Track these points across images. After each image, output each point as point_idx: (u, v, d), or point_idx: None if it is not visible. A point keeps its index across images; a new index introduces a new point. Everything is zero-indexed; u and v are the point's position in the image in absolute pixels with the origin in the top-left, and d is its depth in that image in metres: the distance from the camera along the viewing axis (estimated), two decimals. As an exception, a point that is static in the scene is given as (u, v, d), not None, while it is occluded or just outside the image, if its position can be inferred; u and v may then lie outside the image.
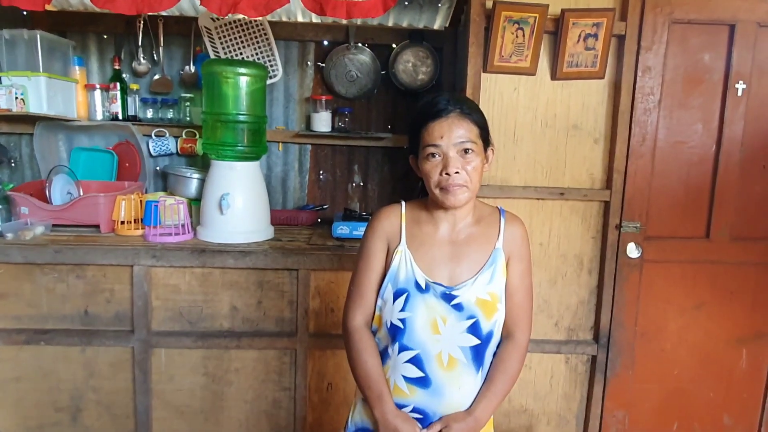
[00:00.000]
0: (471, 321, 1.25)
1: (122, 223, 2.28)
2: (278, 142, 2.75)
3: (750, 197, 2.21)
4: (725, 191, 2.18)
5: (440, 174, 1.23)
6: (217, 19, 2.55)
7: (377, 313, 1.33)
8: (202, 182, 2.46)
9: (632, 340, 2.26)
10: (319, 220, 2.76)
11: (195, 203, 2.45)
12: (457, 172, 1.21)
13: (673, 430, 2.35)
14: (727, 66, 2.12)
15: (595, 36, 2.06)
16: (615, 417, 2.30)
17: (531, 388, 2.31)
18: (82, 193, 2.38)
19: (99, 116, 2.64)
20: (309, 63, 2.73)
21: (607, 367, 2.27)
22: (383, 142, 2.73)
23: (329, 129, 2.67)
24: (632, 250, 2.19)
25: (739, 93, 2.13)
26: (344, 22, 2.70)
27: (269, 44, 2.61)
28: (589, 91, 2.14)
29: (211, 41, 2.58)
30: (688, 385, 2.32)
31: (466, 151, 1.23)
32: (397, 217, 1.34)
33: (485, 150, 1.29)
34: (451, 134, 1.22)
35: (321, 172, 2.81)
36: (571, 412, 2.35)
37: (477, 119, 1.26)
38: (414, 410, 1.27)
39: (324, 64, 2.69)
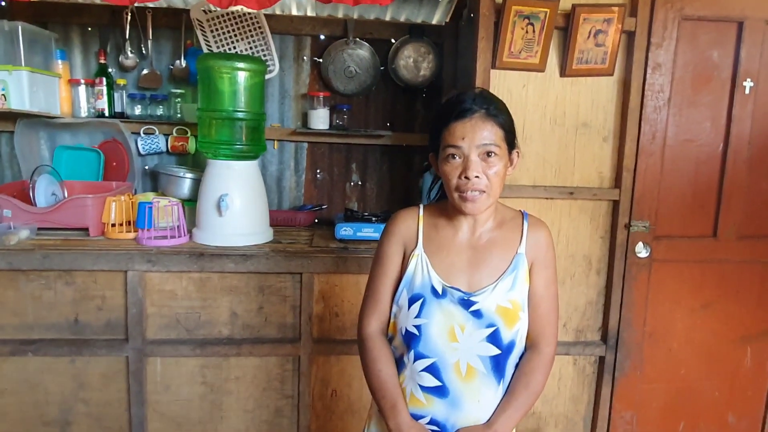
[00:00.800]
0: (491, 329, 1.19)
1: (113, 225, 2.16)
2: (274, 140, 2.65)
3: (756, 195, 2.20)
4: (733, 190, 2.17)
5: (459, 177, 1.16)
6: (210, 11, 2.44)
7: (392, 319, 1.28)
8: (196, 182, 2.36)
9: (641, 340, 2.24)
10: (317, 221, 2.67)
11: (188, 204, 2.34)
12: (477, 177, 1.15)
13: (680, 430, 2.34)
14: (735, 63, 2.11)
15: (605, 32, 2.02)
16: (623, 418, 2.28)
17: (539, 390, 2.27)
18: (66, 195, 2.25)
19: (84, 113, 2.51)
20: (305, 58, 2.64)
21: (615, 368, 2.25)
22: (382, 140, 2.65)
23: (327, 126, 2.58)
24: (641, 250, 2.17)
25: (747, 91, 2.12)
26: (341, 15, 2.62)
27: (264, 38, 2.51)
28: (599, 88, 2.11)
29: (203, 34, 2.46)
30: (695, 384, 2.31)
31: (488, 154, 1.16)
32: (414, 221, 1.28)
33: (510, 153, 1.22)
34: (474, 136, 1.15)
35: (318, 171, 2.72)
36: (579, 414, 2.32)
37: (503, 121, 1.19)
38: (431, 422, 1.21)
39: (321, 60, 2.60)
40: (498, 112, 1.19)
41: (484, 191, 1.16)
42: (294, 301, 2.10)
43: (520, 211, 1.31)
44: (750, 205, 2.20)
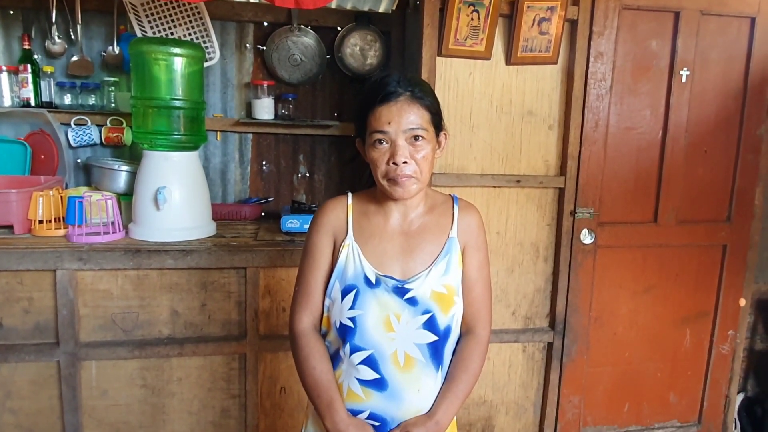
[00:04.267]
0: (427, 316, 1.17)
1: (40, 222, 2.02)
2: (216, 130, 2.54)
3: (693, 182, 2.28)
4: (671, 176, 2.24)
5: (387, 163, 1.13)
6: (144, -6, 2.31)
7: (325, 313, 1.23)
8: (132, 175, 2.24)
9: (587, 325, 2.28)
10: (264, 214, 2.59)
11: (124, 199, 2.22)
12: (405, 162, 1.12)
13: (625, 411, 2.41)
14: (673, 53, 2.17)
15: (549, 20, 2.03)
16: (571, 402, 2.32)
17: (490, 378, 2.28)
18: (-11, 190, 2.09)
19: (7, 102, 2.33)
20: (248, 45, 2.54)
21: (563, 353, 2.28)
22: (330, 131, 2.59)
23: (272, 116, 2.50)
24: (586, 237, 2.20)
25: (684, 80, 2.18)
26: (285, 2, 2.53)
27: (204, 24, 2.39)
28: (543, 76, 2.12)
29: (137, 19, 2.33)
30: (638, 366, 2.38)
31: (416, 138, 1.14)
32: (343, 210, 1.24)
33: (437, 135, 1.20)
34: (400, 120, 1.12)
35: (264, 162, 2.63)
36: (529, 400, 2.34)
37: (429, 104, 1.16)
38: (371, 416, 1.17)
39: (265, 47, 2.51)
40: (423, 95, 1.16)
41: (413, 176, 1.14)
42: (239, 296, 2.02)
43: (450, 195, 1.30)
44: (688, 191, 2.27)
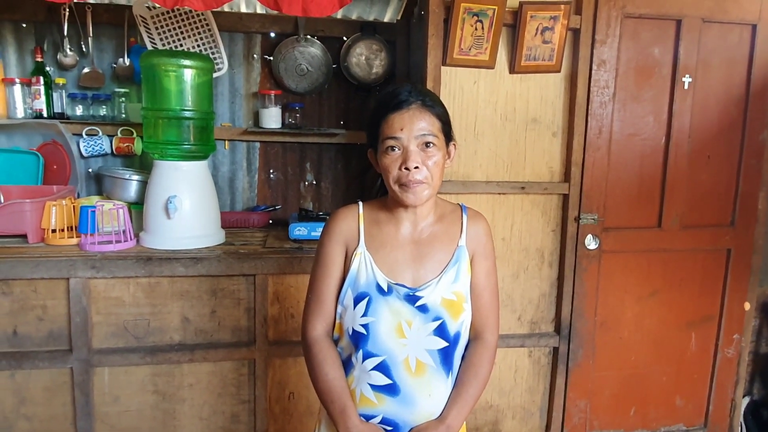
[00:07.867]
0: (437, 323, 1.20)
1: (53, 231, 2.06)
2: (224, 140, 2.59)
3: (697, 186, 2.29)
4: (675, 181, 2.26)
5: (400, 169, 1.17)
6: (154, 7, 2.36)
7: (337, 320, 1.26)
8: (143, 184, 2.28)
9: (592, 329, 2.29)
10: (271, 222, 2.62)
11: (135, 207, 2.26)
12: (417, 167, 1.15)
13: (631, 415, 2.42)
14: (675, 60, 2.19)
15: (552, 29, 2.06)
16: (577, 406, 2.34)
17: (496, 383, 2.30)
18: (2, 200, 2.13)
19: (20, 114, 2.38)
20: (255, 56, 2.59)
21: (569, 357, 2.30)
22: (336, 139, 2.63)
23: (279, 125, 2.54)
24: (590, 242, 2.22)
25: (686, 86, 2.21)
26: (291, 13, 2.58)
27: (212, 35, 2.44)
28: (547, 84, 2.15)
29: (147, 32, 2.38)
30: (644, 370, 2.39)
31: (427, 144, 1.17)
32: (354, 219, 1.27)
33: (447, 145, 1.23)
34: (412, 126, 1.16)
35: (271, 171, 2.67)
36: (536, 405, 2.36)
37: (439, 112, 1.21)
38: (383, 421, 1.19)
39: (272, 58, 2.55)
40: (434, 104, 1.20)
41: (424, 182, 1.17)
42: (248, 303, 2.05)
43: (459, 204, 1.33)
44: (691, 196, 2.29)
